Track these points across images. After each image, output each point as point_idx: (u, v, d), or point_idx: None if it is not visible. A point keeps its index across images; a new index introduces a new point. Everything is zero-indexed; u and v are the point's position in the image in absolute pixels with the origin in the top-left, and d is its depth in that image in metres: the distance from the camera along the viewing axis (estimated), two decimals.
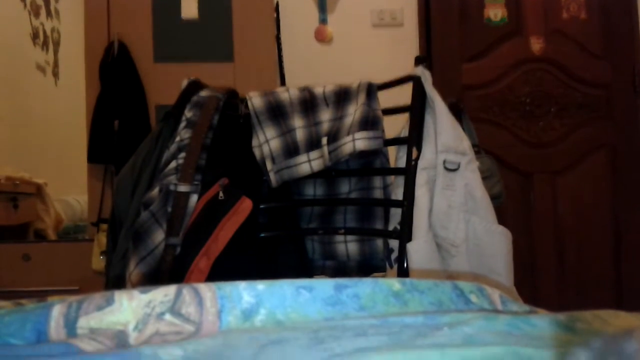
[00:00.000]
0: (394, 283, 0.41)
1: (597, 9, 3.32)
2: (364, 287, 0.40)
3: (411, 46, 3.30)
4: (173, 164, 1.47)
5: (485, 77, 3.28)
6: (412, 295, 0.41)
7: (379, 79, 1.62)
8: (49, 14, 3.77)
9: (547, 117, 3.27)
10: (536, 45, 3.29)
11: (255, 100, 1.58)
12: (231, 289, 0.38)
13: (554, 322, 0.39)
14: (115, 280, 1.46)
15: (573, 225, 3.23)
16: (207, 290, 0.38)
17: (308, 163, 1.53)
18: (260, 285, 0.38)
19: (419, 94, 1.50)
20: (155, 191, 1.45)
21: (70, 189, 3.76)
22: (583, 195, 3.24)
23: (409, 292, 0.41)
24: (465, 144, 1.50)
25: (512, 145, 3.25)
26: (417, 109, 1.50)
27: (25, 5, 3.45)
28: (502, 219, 1.46)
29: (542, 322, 0.39)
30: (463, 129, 2.42)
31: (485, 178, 2.01)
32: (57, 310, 0.38)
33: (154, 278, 1.36)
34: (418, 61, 1.54)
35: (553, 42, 3.29)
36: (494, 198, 2.08)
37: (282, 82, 3.17)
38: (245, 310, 0.37)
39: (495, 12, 3.32)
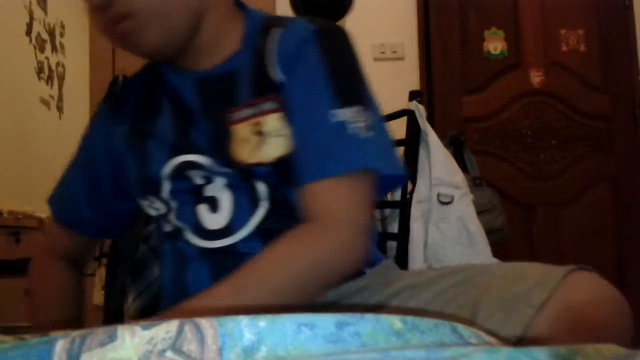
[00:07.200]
0: (395, 321, 0.42)
1: (597, 42, 3.35)
2: (365, 324, 0.40)
3: (412, 79, 3.33)
4: None
5: (486, 109, 3.30)
6: (413, 335, 0.41)
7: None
8: (54, 48, 3.81)
9: (548, 150, 3.28)
10: (536, 78, 3.32)
11: None
12: (232, 326, 0.38)
13: (554, 354, 0.39)
14: (113, 314, 1.46)
15: (575, 258, 3.21)
16: (209, 327, 0.38)
17: None
18: (262, 322, 0.39)
19: (413, 128, 1.52)
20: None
21: None
22: (585, 228, 3.23)
23: (410, 331, 0.41)
24: (459, 177, 1.51)
25: (514, 178, 3.26)
26: (411, 143, 1.51)
27: (30, 40, 3.50)
28: (504, 252, 1.46)
29: (543, 354, 0.39)
30: (464, 161, 2.44)
31: (487, 211, 2.01)
32: (61, 346, 0.38)
33: (151, 312, 1.35)
34: (412, 96, 1.56)
35: (553, 75, 3.32)
36: (496, 231, 2.07)
37: None
38: (246, 347, 0.37)
39: (495, 46, 3.35)
